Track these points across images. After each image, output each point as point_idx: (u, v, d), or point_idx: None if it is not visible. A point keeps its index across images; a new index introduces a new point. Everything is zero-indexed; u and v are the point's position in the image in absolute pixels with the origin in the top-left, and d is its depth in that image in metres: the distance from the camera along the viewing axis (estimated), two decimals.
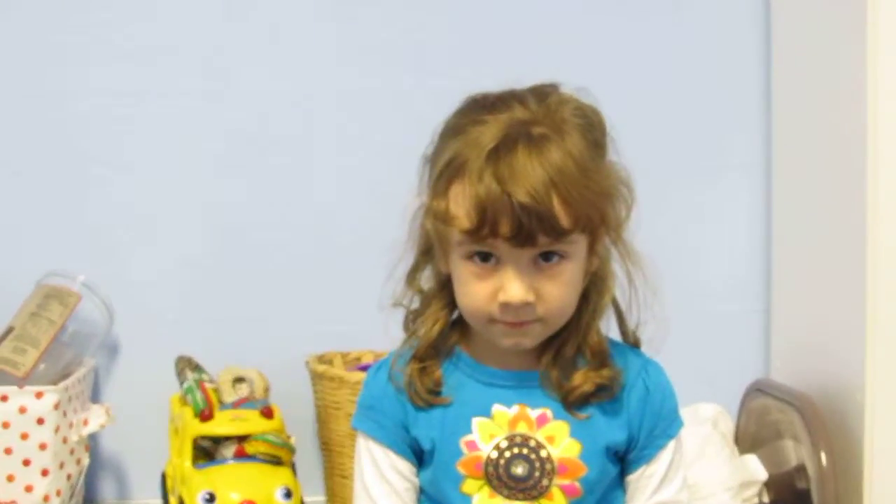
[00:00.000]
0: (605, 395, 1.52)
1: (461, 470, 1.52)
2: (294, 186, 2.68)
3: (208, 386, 2.47)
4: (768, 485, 2.39)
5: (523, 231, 1.40)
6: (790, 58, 2.61)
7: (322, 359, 2.58)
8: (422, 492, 1.59)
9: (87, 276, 2.56)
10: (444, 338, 1.57)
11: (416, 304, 1.60)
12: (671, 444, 1.56)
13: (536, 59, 2.62)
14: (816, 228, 2.47)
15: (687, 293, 2.68)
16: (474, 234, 1.42)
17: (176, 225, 2.68)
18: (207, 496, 2.27)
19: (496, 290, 1.45)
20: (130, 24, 2.66)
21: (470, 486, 1.52)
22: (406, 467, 1.57)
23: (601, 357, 1.52)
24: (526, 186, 1.39)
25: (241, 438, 2.39)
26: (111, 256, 2.66)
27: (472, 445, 1.52)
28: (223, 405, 2.45)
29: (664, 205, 2.66)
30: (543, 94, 1.49)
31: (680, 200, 2.72)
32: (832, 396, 2.33)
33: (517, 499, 1.51)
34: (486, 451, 1.52)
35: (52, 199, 2.66)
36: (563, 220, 1.41)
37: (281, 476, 2.34)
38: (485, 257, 1.45)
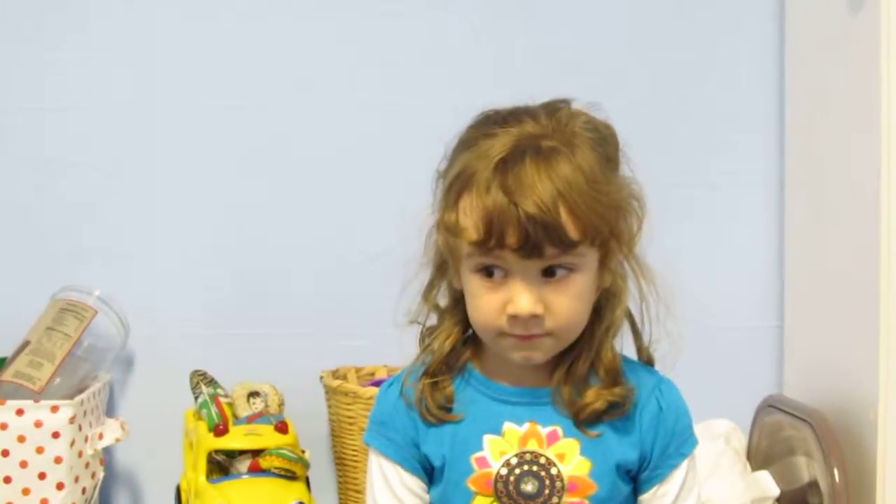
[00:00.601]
0: (617, 413, 1.52)
1: (471, 487, 1.53)
2: (311, 202, 2.69)
3: (223, 400, 2.48)
4: (780, 501, 2.39)
5: (530, 242, 1.41)
6: (804, 72, 2.61)
7: (336, 374, 2.58)
8: None
9: (102, 291, 2.57)
10: (456, 354, 1.58)
11: (431, 321, 1.61)
12: (684, 464, 1.56)
13: (548, 69, 2.65)
14: (830, 245, 2.47)
15: (700, 309, 2.67)
16: (482, 245, 1.43)
17: (192, 240, 2.69)
18: None
19: (505, 302, 1.45)
20: (149, 30, 2.68)
21: (480, 502, 1.53)
22: (416, 484, 1.58)
23: (614, 375, 1.52)
24: (532, 197, 1.40)
25: (256, 453, 2.39)
26: (127, 271, 2.66)
27: (483, 462, 1.52)
28: (238, 420, 2.45)
29: (676, 221, 2.65)
30: (555, 108, 1.50)
31: (693, 216, 2.72)
32: (845, 413, 2.33)
33: None
34: (496, 467, 1.52)
35: (69, 213, 2.67)
36: (571, 231, 1.41)
37: (295, 491, 2.34)
38: (493, 271, 1.46)
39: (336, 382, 2.50)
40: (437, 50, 2.71)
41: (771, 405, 2.52)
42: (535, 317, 1.44)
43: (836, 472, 2.21)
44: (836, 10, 2.38)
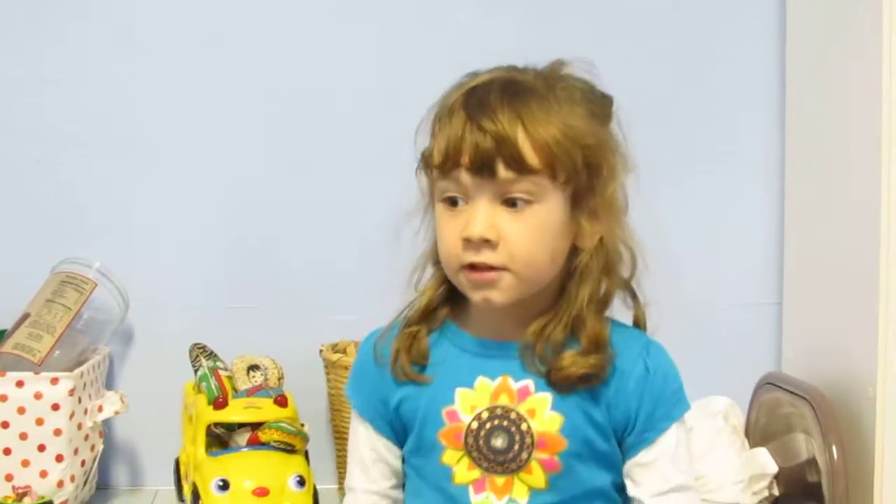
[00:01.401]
0: (594, 381, 1.49)
1: (442, 440, 1.52)
2: (310, 176, 2.69)
3: (222, 374, 2.48)
4: (779, 478, 2.39)
5: (480, 157, 1.41)
6: (804, 52, 2.61)
7: (336, 347, 2.59)
8: (406, 464, 1.59)
9: (102, 264, 2.58)
10: (437, 308, 1.57)
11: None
12: (673, 428, 1.52)
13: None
14: (829, 222, 2.47)
15: (699, 287, 2.68)
16: (441, 166, 1.45)
17: (191, 213, 2.69)
18: (221, 483, 2.28)
19: (462, 228, 1.45)
20: (149, 4, 2.68)
21: (450, 456, 1.52)
22: (381, 443, 1.59)
23: (597, 345, 1.49)
24: (490, 115, 1.42)
25: (255, 426, 2.40)
26: (127, 244, 2.67)
27: (454, 416, 1.52)
28: (237, 393, 2.46)
29: (676, 199, 2.66)
30: (549, 66, 1.52)
31: (692, 194, 2.72)
32: (844, 390, 2.33)
33: (496, 472, 1.50)
34: (467, 421, 1.51)
35: (70, 186, 2.67)
36: (528, 154, 1.41)
37: (294, 464, 2.35)
38: (456, 201, 1.46)
39: (335, 356, 2.51)
40: (440, 24, 2.70)
41: (769, 382, 2.52)
42: (486, 242, 1.43)
43: (834, 449, 2.22)
44: None
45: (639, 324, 1.57)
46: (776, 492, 2.39)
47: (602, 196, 1.49)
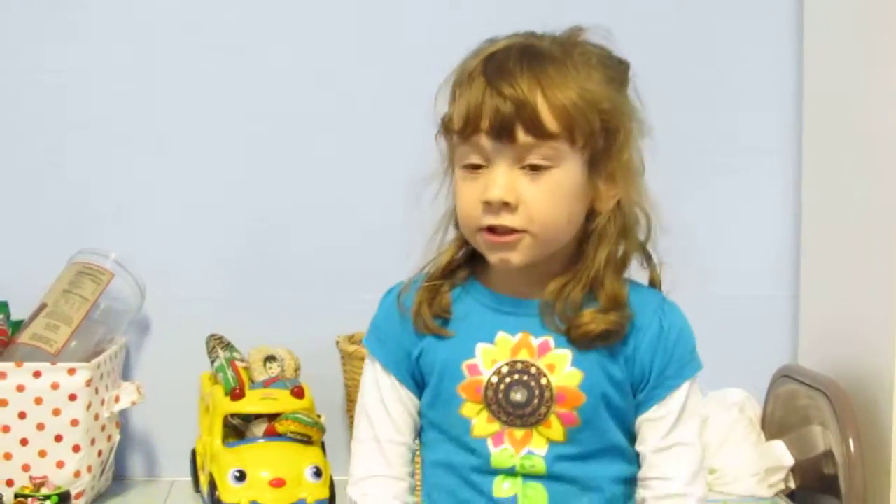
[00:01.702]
0: (613, 339, 1.51)
1: (461, 393, 1.53)
2: (326, 167, 2.69)
3: (239, 365, 2.49)
4: (795, 470, 2.39)
5: (499, 121, 1.43)
6: (822, 42, 2.60)
7: (352, 339, 2.58)
8: (423, 417, 1.60)
9: (119, 254, 2.58)
10: (458, 266, 1.58)
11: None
12: (685, 386, 1.54)
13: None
14: (846, 214, 2.47)
15: (716, 278, 2.68)
16: (462, 131, 1.46)
17: (208, 204, 2.69)
18: (237, 474, 2.29)
19: (482, 192, 1.46)
20: (165, 9, 2.69)
21: (469, 409, 1.53)
22: (405, 394, 1.59)
23: (616, 304, 1.51)
24: (509, 81, 1.43)
25: (272, 417, 2.40)
26: (143, 234, 2.67)
27: (474, 369, 1.53)
28: (254, 384, 2.46)
29: (693, 190, 2.65)
30: (566, 32, 1.54)
31: (709, 185, 2.71)
32: (860, 382, 2.33)
33: (515, 425, 1.51)
34: (487, 375, 1.52)
35: (86, 177, 2.67)
36: (547, 119, 1.43)
37: (311, 455, 2.35)
38: (477, 166, 1.47)
39: (352, 347, 2.51)
40: (453, 19, 2.69)
41: (786, 374, 2.52)
42: (506, 205, 1.45)
43: (851, 441, 2.22)
44: None
45: (654, 284, 1.59)
46: (792, 484, 2.40)
47: (619, 160, 1.50)
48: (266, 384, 2.45)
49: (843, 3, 2.48)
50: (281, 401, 2.41)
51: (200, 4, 2.69)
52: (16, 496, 2.31)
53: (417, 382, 1.59)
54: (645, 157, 1.55)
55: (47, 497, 2.31)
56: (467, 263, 1.59)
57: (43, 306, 2.49)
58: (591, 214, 1.52)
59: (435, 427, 1.58)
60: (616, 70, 1.53)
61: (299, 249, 2.69)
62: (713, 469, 2.37)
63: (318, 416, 2.42)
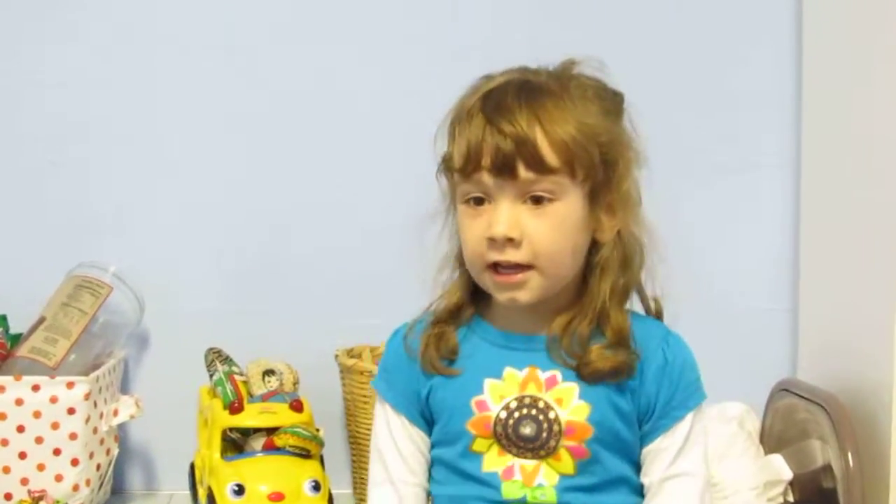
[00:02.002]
0: (621, 377, 1.53)
1: (471, 430, 1.54)
2: (325, 181, 2.69)
3: (238, 378, 2.48)
4: (794, 484, 2.39)
5: (501, 159, 1.45)
6: (821, 54, 2.60)
7: (351, 352, 2.58)
8: (433, 453, 1.61)
9: (118, 268, 2.58)
10: (463, 307, 1.60)
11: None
12: (689, 417, 1.56)
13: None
14: (845, 227, 2.47)
15: (714, 291, 2.68)
16: (463, 170, 1.48)
17: (207, 217, 2.69)
18: (236, 488, 2.28)
19: (486, 229, 1.48)
20: (165, 12, 2.68)
21: (480, 444, 1.55)
22: (417, 434, 1.61)
23: (622, 338, 1.53)
24: (508, 118, 1.45)
25: (271, 431, 2.40)
26: (142, 248, 2.67)
27: (483, 405, 1.54)
28: (252, 398, 2.46)
29: (692, 202, 2.66)
30: (560, 66, 1.56)
31: (707, 198, 2.72)
32: (859, 396, 2.33)
33: (526, 457, 1.53)
34: (496, 411, 1.54)
35: (85, 190, 2.67)
36: (548, 155, 1.45)
37: (309, 469, 2.35)
38: (479, 201, 1.49)
39: (351, 361, 2.50)
40: (453, 19, 2.69)
41: (785, 388, 2.52)
42: (510, 240, 1.47)
43: (850, 455, 2.21)
44: None
45: (657, 315, 1.61)
46: (791, 498, 2.39)
47: (618, 191, 1.53)
48: (265, 398, 2.45)
49: (842, 7, 2.48)
50: (280, 414, 2.41)
51: (200, 4, 2.69)
52: None
53: (427, 421, 1.61)
54: (641, 187, 1.57)
55: None
56: (471, 301, 1.60)
57: (42, 320, 2.49)
58: (592, 247, 1.55)
59: (445, 463, 1.59)
60: (611, 101, 1.55)
61: (298, 264, 2.69)
62: (713, 483, 2.37)
63: (317, 430, 2.42)
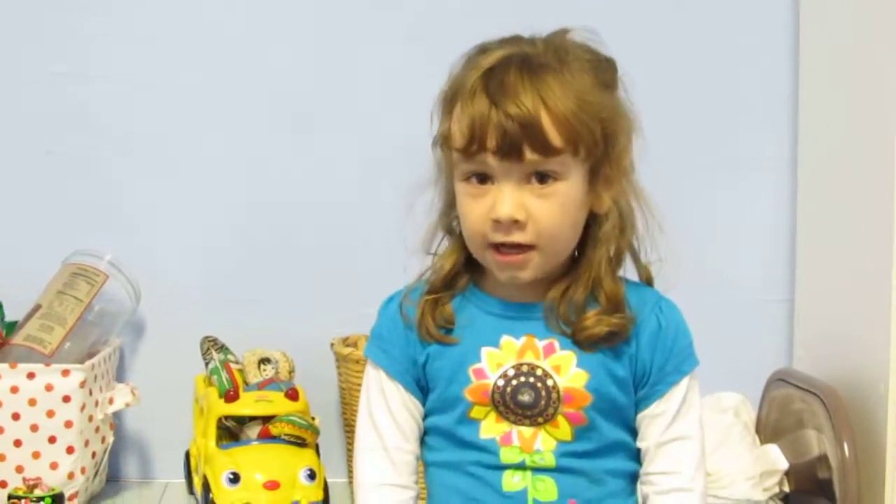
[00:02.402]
0: (616, 340, 1.53)
1: (468, 397, 1.54)
2: (321, 169, 2.69)
3: (234, 367, 2.48)
4: (789, 474, 2.39)
5: (507, 142, 1.44)
6: (818, 52, 2.60)
7: (347, 341, 2.58)
8: (427, 421, 1.60)
9: (113, 256, 2.58)
10: (458, 273, 1.59)
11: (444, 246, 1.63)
12: (684, 381, 1.56)
13: None
14: (841, 219, 2.47)
15: (711, 282, 2.68)
16: (465, 150, 1.47)
17: (203, 205, 2.69)
18: (231, 476, 2.28)
19: (489, 209, 1.48)
20: (168, 5, 2.68)
21: (477, 411, 1.54)
22: (411, 401, 1.59)
23: (616, 303, 1.54)
24: (513, 99, 1.44)
25: (266, 419, 2.40)
26: (138, 236, 2.67)
27: (480, 373, 1.54)
28: (248, 386, 2.46)
29: (687, 196, 2.66)
30: (553, 35, 1.55)
31: (705, 191, 2.72)
32: (855, 387, 2.33)
33: (524, 424, 1.53)
34: (493, 379, 1.53)
35: (81, 178, 2.67)
36: (553, 137, 1.44)
37: (305, 457, 2.35)
38: (482, 179, 1.49)
39: (347, 350, 2.50)
40: (455, 18, 2.69)
41: (781, 379, 2.52)
42: (515, 222, 1.47)
43: (845, 445, 2.22)
44: None
45: (647, 281, 1.61)
46: (787, 488, 2.39)
47: (618, 165, 1.53)
48: (260, 386, 2.45)
49: (840, 7, 2.48)
50: (275, 403, 2.41)
51: (201, 4, 2.68)
52: (9, 497, 2.30)
53: (422, 389, 1.60)
54: (636, 157, 1.57)
55: (41, 499, 2.29)
56: (465, 269, 1.60)
57: (37, 307, 2.49)
58: (589, 217, 1.54)
59: (440, 431, 1.58)
60: (606, 71, 1.54)
61: (294, 252, 2.69)
62: (708, 473, 2.37)
63: (313, 419, 2.42)
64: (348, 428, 2.57)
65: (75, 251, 2.58)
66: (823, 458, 2.29)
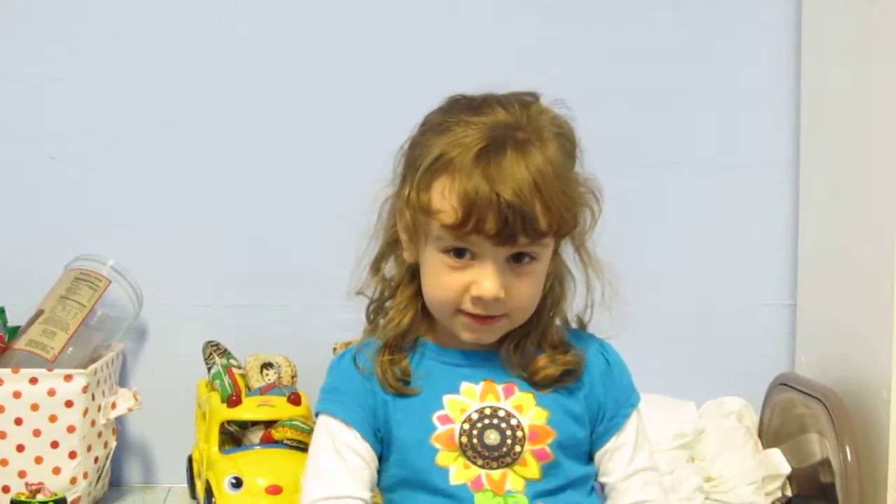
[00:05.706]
0: (570, 380, 1.60)
1: (435, 444, 1.56)
2: (323, 173, 2.68)
3: (236, 372, 2.49)
4: (792, 479, 2.39)
5: (507, 229, 1.47)
6: (819, 50, 2.60)
7: (349, 346, 2.57)
8: (391, 476, 1.60)
9: (116, 261, 2.58)
10: (410, 332, 1.62)
11: (377, 294, 1.68)
12: (634, 414, 1.64)
13: (555, 55, 2.63)
14: (843, 223, 2.47)
15: (713, 287, 2.68)
16: (458, 229, 1.48)
17: (206, 211, 2.69)
18: (234, 481, 2.29)
19: (469, 283, 1.52)
20: (169, 8, 2.68)
21: (445, 458, 1.55)
22: (365, 449, 1.58)
23: (562, 345, 1.61)
24: (513, 186, 1.46)
25: (268, 424, 2.40)
26: (141, 241, 2.67)
27: (445, 419, 1.57)
28: (250, 391, 2.46)
29: (689, 200, 2.66)
30: (525, 102, 1.56)
31: (705, 195, 2.71)
32: (858, 391, 2.33)
33: (492, 468, 1.55)
34: (458, 424, 1.56)
35: (84, 183, 2.67)
36: (542, 222, 1.48)
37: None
38: (461, 252, 1.51)
39: None
40: (452, 31, 2.69)
41: (783, 383, 2.52)
42: (497, 300, 1.51)
43: (848, 450, 2.22)
44: None
45: (581, 327, 1.68)
46: (789, 492, 2.39)
47: (580, 237, 1.60)
48: (263, 391, 2.45)
49: (841, 6, 2.48)
50: (278, 408, 2.41)
51: (202, 9, 2.68)
52: (12, 502, 2.30)
53: (378, 440, 1.59)
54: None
55: (44, 503, 2.30)
56: (417, 323, 1.63)
57: (40, 312, 2.49)
58: None
59: (407, 483, 1.58)
60: (573, 145, 1.58)
61: (296, 256, 2.69)
62: (711, 477, 2.37)
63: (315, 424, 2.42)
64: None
65: (78, 256, 2.58)
66: (826, 463, 2.29)
